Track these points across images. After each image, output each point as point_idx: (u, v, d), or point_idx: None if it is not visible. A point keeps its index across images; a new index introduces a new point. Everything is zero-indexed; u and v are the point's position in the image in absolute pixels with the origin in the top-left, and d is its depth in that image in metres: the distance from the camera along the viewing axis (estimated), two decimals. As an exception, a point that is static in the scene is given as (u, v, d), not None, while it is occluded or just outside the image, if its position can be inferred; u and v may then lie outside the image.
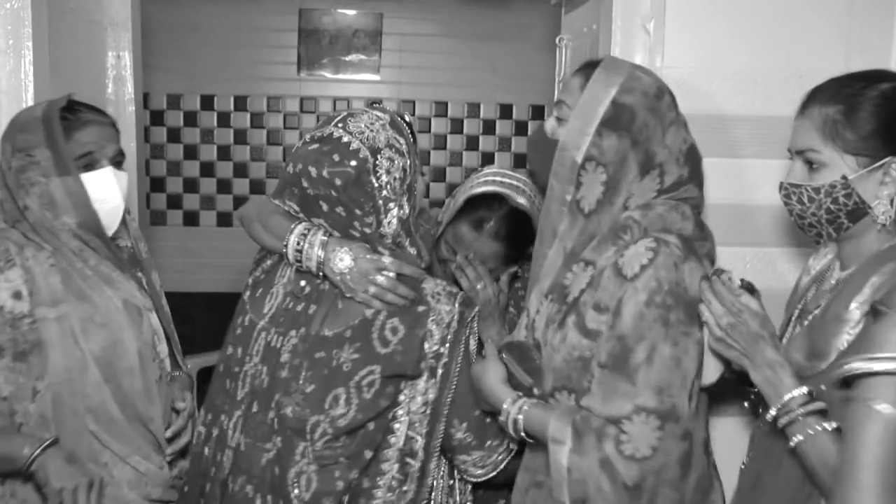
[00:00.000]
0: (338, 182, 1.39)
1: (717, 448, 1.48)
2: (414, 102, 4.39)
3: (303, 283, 1.48)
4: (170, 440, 1.63)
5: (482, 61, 4.38)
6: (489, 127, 4.48)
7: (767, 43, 1.84)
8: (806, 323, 1.32)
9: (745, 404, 1.47)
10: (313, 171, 1.40)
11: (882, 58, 1.82)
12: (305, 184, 1.42)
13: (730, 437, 1.77)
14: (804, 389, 1.19)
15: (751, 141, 1.85)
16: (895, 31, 1.84)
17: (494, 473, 1.51)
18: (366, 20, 4.35)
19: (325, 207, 1.43)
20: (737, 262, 1.85)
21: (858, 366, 1.09)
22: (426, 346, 1.41)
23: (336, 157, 1.39)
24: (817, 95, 1.28)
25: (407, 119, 1.52)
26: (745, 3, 1.85)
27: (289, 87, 4.36)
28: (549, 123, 1.46)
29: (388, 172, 1.42)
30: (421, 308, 1.42)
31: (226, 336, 1.56)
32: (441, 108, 4.44)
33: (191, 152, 4.34)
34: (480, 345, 1.54)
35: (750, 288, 1.30)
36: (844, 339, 1.19)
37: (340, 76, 4.37)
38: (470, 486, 1.59)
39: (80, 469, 1.45)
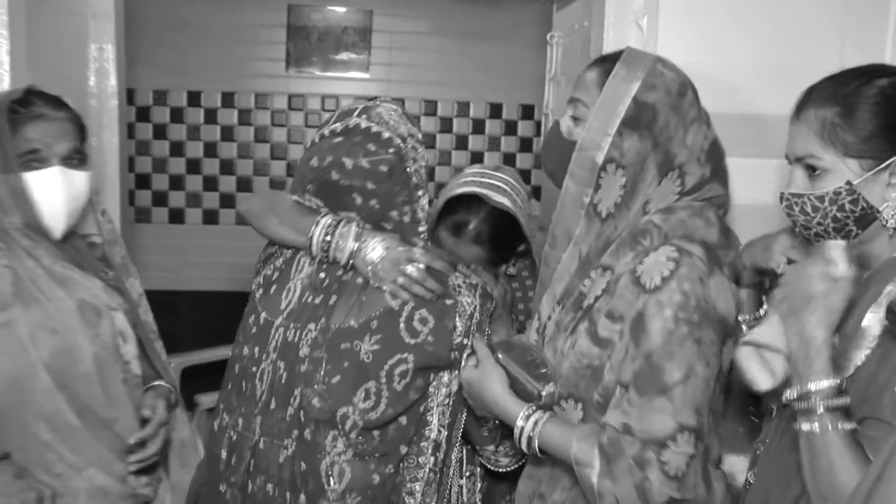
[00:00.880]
0: (382, 169, 1.39)
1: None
2: (403, 101, 4.33)
3: (322, 275, 1.46)
4: (137, 447, 1.54)
5: (472, 60, 4.36)
6: (479, 126, 4.46)
7: (760, 39, 1.84)
8: None
9: (753, 418, 1.44)
10: (348, 162, 1.39)
11: (878, 52, 1.81)
12: (336, 176, 1.40)
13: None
14: (833, 381, 1.08)
15: (745, 139, 1.83)
16: (890, 25, 1.82)
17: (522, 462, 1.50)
18: (355, 17, 4.31)
19: (358, 200, 1.41)
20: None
21: None
22: (453, 337, 1.41)
23: (372, 147, 1.39)
24: (812, 97, 1.21)
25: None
26: (739, -1, 1.84)
27: (277, 83, 4.32)
28: (565, 123, 1.38)
29: (414, 161, 1.43)
30: (448, 301, 1.41)
31: (236, 336, 1.52)
32: (430, 107, 4.42)
33: (177, 149, 4.30)
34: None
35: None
36: (863, 353, 1.12)
37: (329, 73, 4.34)
38: (479, 486, 1.58)
39: (29, 483, 1.40)
